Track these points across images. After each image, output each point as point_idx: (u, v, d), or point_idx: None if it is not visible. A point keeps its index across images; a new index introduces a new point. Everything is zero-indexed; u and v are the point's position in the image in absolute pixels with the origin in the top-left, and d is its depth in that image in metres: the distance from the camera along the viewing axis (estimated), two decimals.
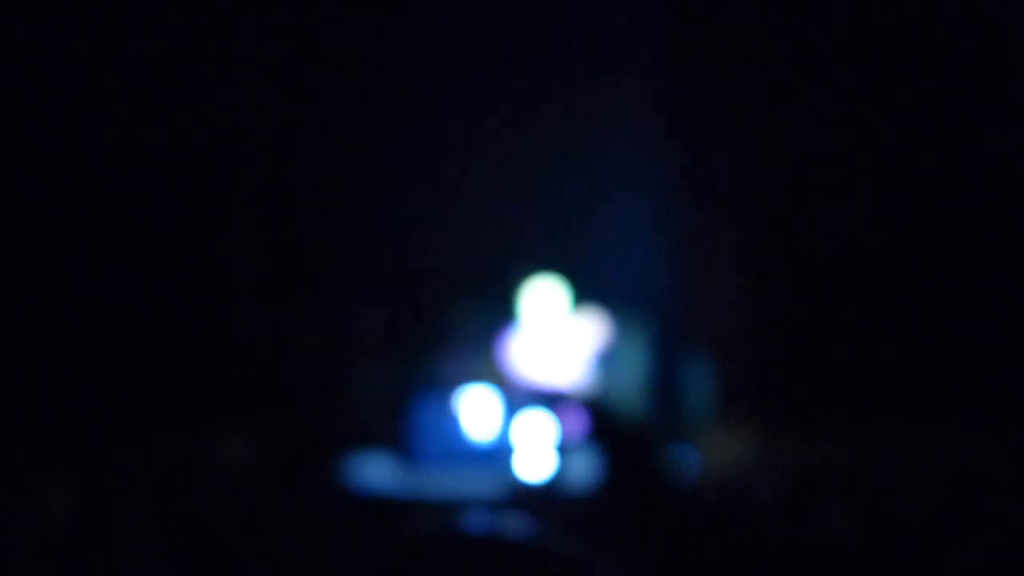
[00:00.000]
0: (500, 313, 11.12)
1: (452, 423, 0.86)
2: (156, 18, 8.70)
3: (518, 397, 0.84)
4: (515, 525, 0.56)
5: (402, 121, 10.61)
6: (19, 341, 7.76)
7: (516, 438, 0.69)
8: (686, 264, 10.61)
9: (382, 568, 0.55)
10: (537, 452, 0.63)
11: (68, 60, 8.18)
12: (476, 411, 0.87)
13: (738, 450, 7.90)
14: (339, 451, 9.08)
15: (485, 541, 0.56)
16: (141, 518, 3.29)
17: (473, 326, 10.94)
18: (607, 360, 7.37)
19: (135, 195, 8.68)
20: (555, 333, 7.24)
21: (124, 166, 8.55)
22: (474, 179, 10.77)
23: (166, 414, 8.54)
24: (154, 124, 8.88)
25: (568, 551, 0.55)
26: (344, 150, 10.76)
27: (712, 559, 2.29)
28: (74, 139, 8.15)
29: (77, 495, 3.53)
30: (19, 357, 7.69)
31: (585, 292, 8.70)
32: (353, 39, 10.22)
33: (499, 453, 0.76)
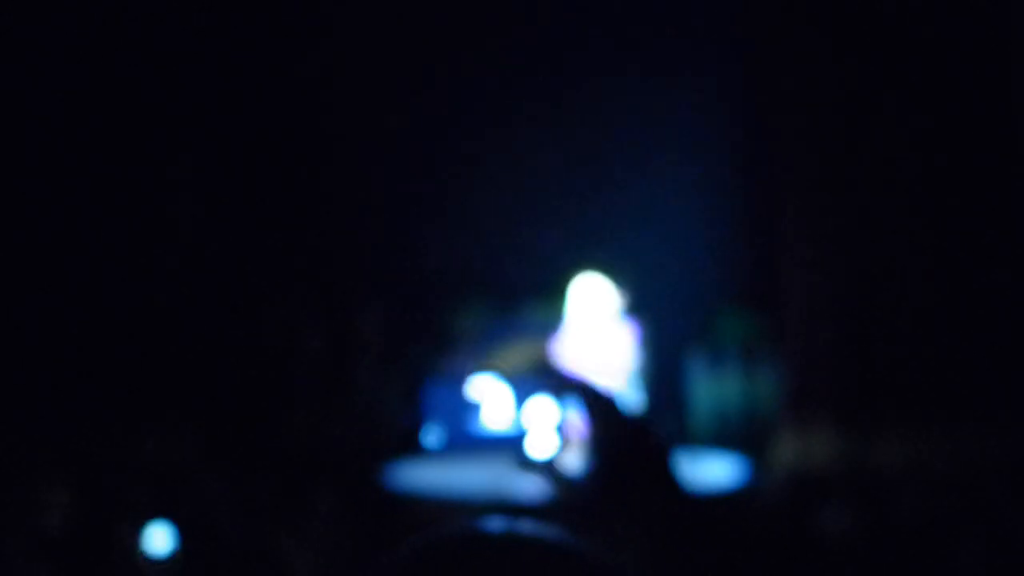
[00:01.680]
0: (512, 315, 11.09)
1: (463, 412, 0.86)
2: (151, 17, 8.71)
3: (526, 384, 0.84)
4: (538, 528, 0.54)
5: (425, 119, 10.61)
6: (24, 342, 7.76)
7: (525, 423, 0.69)
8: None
9: (404, 569, 0.53)
10: (544, 435, 0.63)
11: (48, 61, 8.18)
12: (485, 400, 0.86)
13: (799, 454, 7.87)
14: (351, 454, 9.07)
15: (512, 540, 0.54)
16: (141, 517, 3.28)
17: (481, 329, 10.93)
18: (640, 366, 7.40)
19: (129, 196, 8.69)
20: (600, 332, 7.24)
21: (116, 164, 8.55)
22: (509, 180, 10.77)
23: (166, 413, 8.54)
24: (149, 120, 8.90)
25: (599, 555, 0.53)
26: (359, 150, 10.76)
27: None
28: (56, 134, 8.14)
29: (74, 496, 3.51)
30: (22, 359, 7.69)
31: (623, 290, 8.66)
32: (379, 32, 10.24)
33: (509, 440, 0.75)
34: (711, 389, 10.73)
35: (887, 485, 4.08)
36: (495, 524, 0.55)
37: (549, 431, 0.76)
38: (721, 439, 10.47)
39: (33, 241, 7.89)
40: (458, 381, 0.92)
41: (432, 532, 0.55)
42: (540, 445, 0.74)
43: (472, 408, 0.82)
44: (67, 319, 7.91)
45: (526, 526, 0.54)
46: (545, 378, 0.78)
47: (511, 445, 0.80)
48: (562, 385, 0.74)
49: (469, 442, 0.79)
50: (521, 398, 0.71)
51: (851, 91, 7.91)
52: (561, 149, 10.86)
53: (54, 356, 7.80)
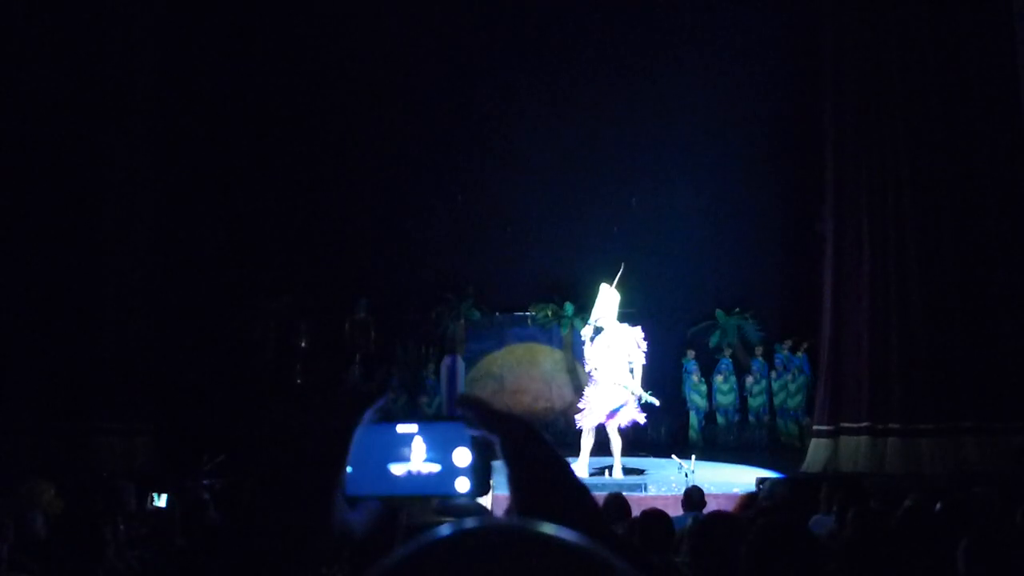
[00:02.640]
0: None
1: (386, 453, 0.85)
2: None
3: (446, 429, 0.85)
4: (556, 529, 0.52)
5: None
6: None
7: (448, 464, 0.70)
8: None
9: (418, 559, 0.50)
10: (464, 477, 0.65)
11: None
12: (409, 446, 0.87)
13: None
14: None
15: (530, 538, 0.52)
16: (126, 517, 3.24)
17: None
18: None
19: (119, 201, 8.64)
20: (616, 333, 7.41)
21: (109, 165, 8.50)
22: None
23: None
24: (140, 117, 8.87)
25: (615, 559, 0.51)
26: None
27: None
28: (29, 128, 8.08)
29: (62, 495, 3.48)
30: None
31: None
32: (380, 35, 10.24)
33: (432, 481, 0.76)
34: (708, 393, 10.67)
35: (915, 488, 4.01)
36: (510, 522, 0.54)
37: (468, 472, 0.76)
38: (718, 442, 10.42)
39: (22, 248, 7.84)
40: (384, 424, 0.92)
41: (446, 528, 0.53)
42: (462, 485, 0.74)
43: (396, 450, 0.82)
44: (57, 323, 7.87)
45: (542, 525, 0.53)
46: (466, 417, 0.76)
47: (434, 485, 0.78)
48: (484, 424, 0.73)
49: (393, 483, 0.78)
50: (442, 441, 0.71)
51: (885, 100, 7.92)
52: (565, 153, 10.82)
53: (48, 357, 7.76)
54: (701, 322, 10.87)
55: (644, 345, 7.46)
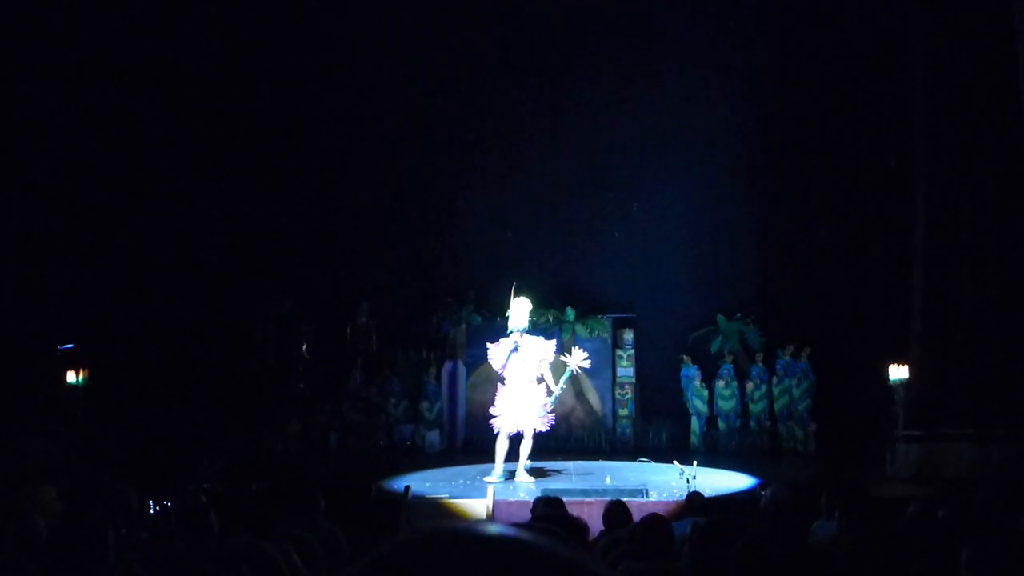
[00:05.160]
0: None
1: None
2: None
3: None
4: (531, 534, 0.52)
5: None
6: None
7: None
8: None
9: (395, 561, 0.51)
10: None
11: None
12: None
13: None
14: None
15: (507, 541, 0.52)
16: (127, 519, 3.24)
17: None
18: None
19: (119, 203, 8.66)
20: (529, 342, 7.47)
21: (109, 167, 8.51)
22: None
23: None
24: (139, 115, 8.90)
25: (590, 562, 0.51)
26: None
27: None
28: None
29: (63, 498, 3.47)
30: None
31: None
32: (383, 41, 10.25)
33: None
34: (710, 398, 10.63)
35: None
36: (487, 525, 0.54)
37: None
38: (720, 447, 10.39)
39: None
40: None
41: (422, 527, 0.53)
42: None
43: None
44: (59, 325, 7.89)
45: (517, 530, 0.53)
46: None
47: None
48: None
49: None
50: None
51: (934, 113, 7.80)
52: (567, 158, 10.80)
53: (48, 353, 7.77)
54: (703, 327, 10.86)
55: (550, 358, 7.56)
